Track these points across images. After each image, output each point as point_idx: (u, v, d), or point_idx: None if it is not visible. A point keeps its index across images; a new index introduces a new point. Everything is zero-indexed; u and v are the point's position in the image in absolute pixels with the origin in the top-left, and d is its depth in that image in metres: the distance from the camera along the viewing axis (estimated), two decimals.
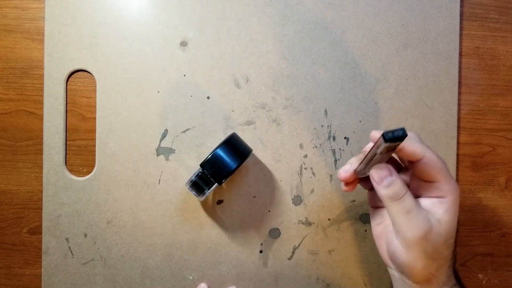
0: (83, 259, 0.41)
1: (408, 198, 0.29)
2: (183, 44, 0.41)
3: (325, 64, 0.42)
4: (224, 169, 0.36)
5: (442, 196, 0.30)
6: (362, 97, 0.42)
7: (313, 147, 0.42)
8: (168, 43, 0.41)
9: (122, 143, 0.41)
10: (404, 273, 0.31)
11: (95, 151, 0.41)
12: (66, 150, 0.41)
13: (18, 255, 0.41)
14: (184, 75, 0.41)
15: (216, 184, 0.36)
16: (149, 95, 0.41)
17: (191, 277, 0.41)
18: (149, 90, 0.41)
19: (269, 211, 0.42)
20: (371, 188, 0.35)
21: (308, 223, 0.42)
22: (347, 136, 0.42)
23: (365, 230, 0.42)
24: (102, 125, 0.41)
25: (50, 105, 0.40)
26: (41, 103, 0.41)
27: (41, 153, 0.40)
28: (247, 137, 0.41)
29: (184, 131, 0.41)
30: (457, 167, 0.43)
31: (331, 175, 0.42)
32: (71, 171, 0.41)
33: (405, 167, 0.34)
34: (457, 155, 0.43)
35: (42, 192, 0.40)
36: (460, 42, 0.43)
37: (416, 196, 0.31)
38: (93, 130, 0.41)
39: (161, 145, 0.41)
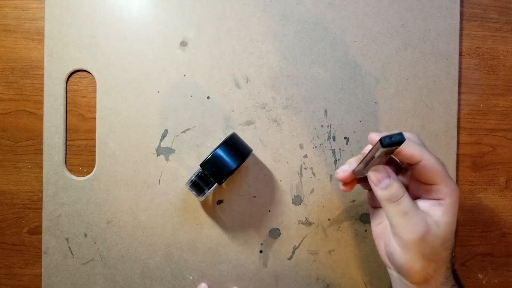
0: (83, 259, 0.41)
1: (406, 200, 0.29)
2: (183, 44, 0.41)
3: (325, 64, 0.42)
4: (224, 169, 0.36)
5: (440, 198, 0.30)
6: (362, 97, 0.42)
7: (313, 147, 0.42)
8: (168, 43, 0.41)
9: (122, 143, 0.41)
10: (402, 274, 0.31)
11: (95, 151, 0.41)
12: (66, 150, 0.41)
13: (18, 255, 0.41)
14: (184, 75, 0.41)
15: (216, 184, 0.36)
16: (149, 95, 0.41)
17: (191, 277, 0.41)
18: (149, 90, 0.41)
19: (269, 211, 0.42)
20: (371, 188, 0.35)
21: (308, 223, 0.42)
22: (347, 136, 0.42)
23: (365, 230, 0.42)
24: (102, 125, 0.41)
25: (50, 105, 0.40)
26: (41, 103, 0.41)
27: (41, 153, 0.40)
28: (247, 137, 0.41)
29: (184, 131, 0.41)
30: (457, 167, 0.43)
31: (331, 175, 0.42)
32: (71, 171, 0.41)
33: (405, 168, 0.34)
34: (457, 155, 0.43)
35: (42, 192, 0.40)
36: (460, 42, 0.43)
37: (415, 197, 0.31)
38: (93, 130, 0.41)
39: (161, 145, 0.41)
